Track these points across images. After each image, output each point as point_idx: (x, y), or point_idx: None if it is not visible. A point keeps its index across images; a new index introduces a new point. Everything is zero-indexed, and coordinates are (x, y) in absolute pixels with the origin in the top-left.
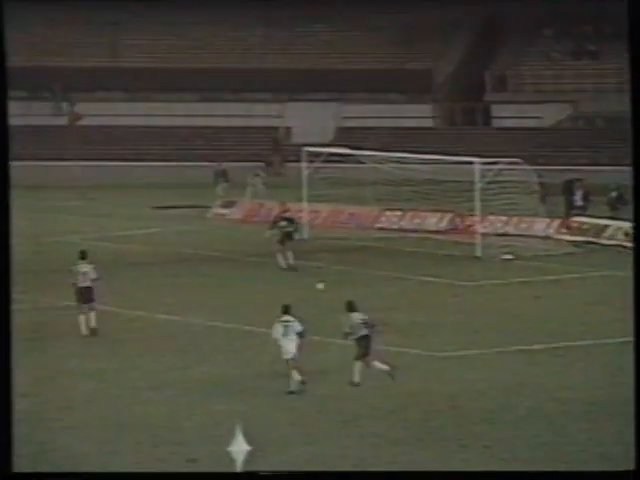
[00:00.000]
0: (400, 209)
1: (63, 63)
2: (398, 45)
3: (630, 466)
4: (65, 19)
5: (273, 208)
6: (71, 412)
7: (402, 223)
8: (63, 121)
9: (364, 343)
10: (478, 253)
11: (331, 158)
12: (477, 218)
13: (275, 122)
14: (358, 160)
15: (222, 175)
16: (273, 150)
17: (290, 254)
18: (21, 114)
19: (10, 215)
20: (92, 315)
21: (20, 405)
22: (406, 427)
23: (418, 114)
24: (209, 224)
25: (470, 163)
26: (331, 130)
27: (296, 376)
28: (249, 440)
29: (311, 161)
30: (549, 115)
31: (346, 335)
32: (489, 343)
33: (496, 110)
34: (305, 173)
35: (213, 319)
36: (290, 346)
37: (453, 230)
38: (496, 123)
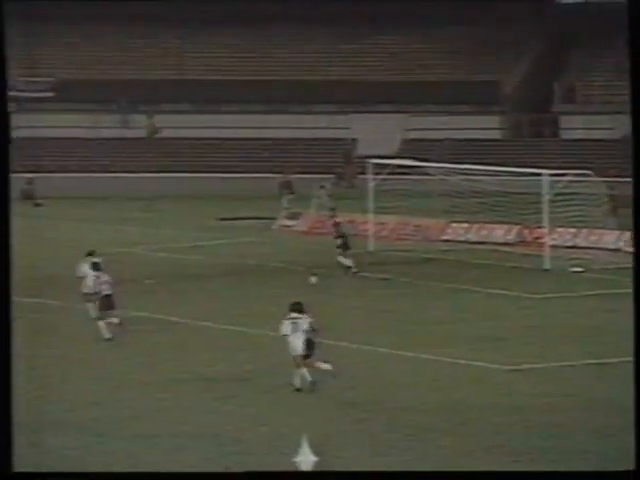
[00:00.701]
0: (467, 221)
1: (131, 76)
2: (465, 56)
3: (630, 466)
4: (132, 33)
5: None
6: (139, 422)
7: (469, 235)
8: (130, 133)
9: (308, 345)
10: (546, 265)
11: (397, 170)
12: (545, 230)
13: (341, 134)
14: (424, 172)
15: (287, 187)
16: (345, 162)
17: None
18: (90, 126)
19: (10, 217)
20: (112, 320)
21: (89, 414)
22: (475, 440)
23: (485, 126)
24: (274, 236)
25: (538, 175)
26: (397, 142)
27: (305, 374)
28: (315, 451)
29: (377, 173)
30: (619, 126)
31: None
32: (558, 356)
33: (564, 121)
34: (371, 185)
35: (278, 330)
36: (298, 343)
37: (521, 242)
38: (564, 134)
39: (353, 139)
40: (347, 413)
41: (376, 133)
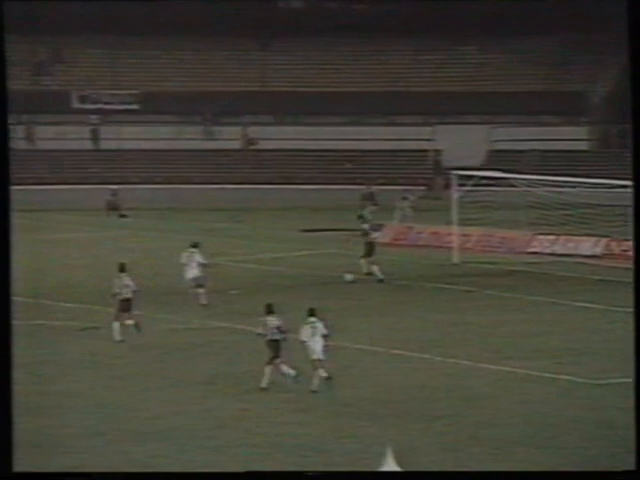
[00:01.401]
0: (553, 233)
1: (214, 88)
2: (552, 66)
3: (630, 466)
4: (215, 45)
5: (422, 231)
6: (222, 431)
7: (555, 247)
8: (213, 145)
9: (275, 346)
10: None
11: (482, 181)
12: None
13: (425, 145)
14: (510, 183)
15: (370, 198)
16: (434, 173)
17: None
18: (173, 138)
19: (10, 218)
20: (129, 323)
21: (171, 423)
22: (562, 455)
23: (572, 136)
24: (356, 247)
25: (625, 187)
26: (482, 153)
27: (322, 373)
28: (399, 463)
29: (462, 184)
30: None
31: (259, 335)
32: None
33: None
34: (455, 196)
35: (360, 342)
36: (317, 347)
37: (608, 255)
38: None
39: (437, 150)
40: (430, 426)
41: (461, 144)
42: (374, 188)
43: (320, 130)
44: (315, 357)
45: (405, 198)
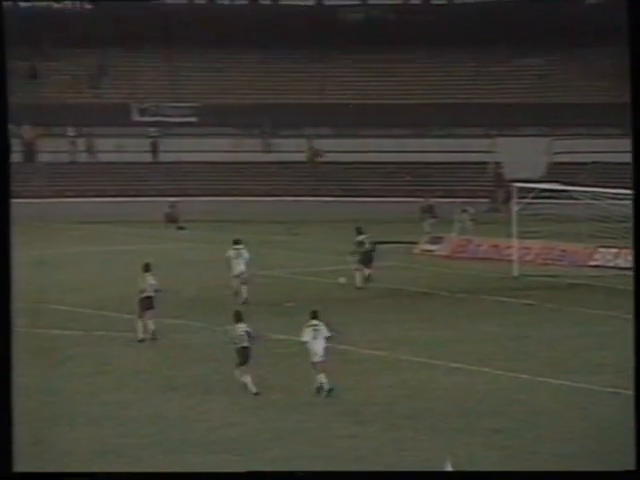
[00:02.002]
0: (615, 246)
1: (273, 100)
2: (614, 78)
3: (630, 466)
4: (274, 57)
5: (482, 244)
6: (278, 443)
7: (618, 261)
8: (272, 157)
9: (244, 353)
10: None
11: (542, 194)
12: None
13: (485, 157)
14: (571, 196)
15: (429, 211)
16: (496, 186)
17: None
18: (232, 150)
19: (9, 222)
20: (151, 323)
21: (229, 434)
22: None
23: None
24: (416, 260)
25: None
26: (543, 165)
27: (322, 378)
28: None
29: (522, 197)
30: None
31: (231, 342)
32: None
33: None
34: (515, 209)
35: (419, 355)
36: (319, 349)
37: None
38: None
39: (498, 163)
40: (489, 440)
41: (521, 156)
42: (433, 201)
43: (380, 142)
44: (316, 359)
45: (464, 211)
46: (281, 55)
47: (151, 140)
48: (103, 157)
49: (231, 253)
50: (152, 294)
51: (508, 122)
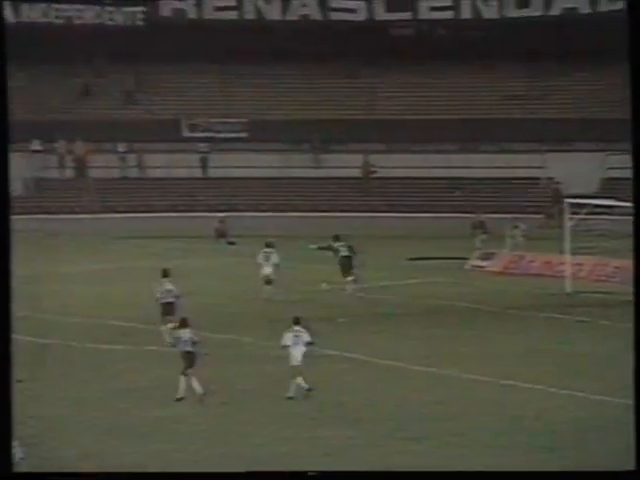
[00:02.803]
0: None
1: (322, 116)
2: None
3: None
4: (323, 73)
5: (534, 260)
6: (328, 459)
7: None
8: (317, 173)
9: (189, 358)
10: None
11: (596, 210)
12: None
13: (537, 173)
14: (625, 212)
15: (480, 226)
16: (553, 202)
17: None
18: (280, 166)
19: (9, 225)
20: (170, 326)
21: (280, 449)
22: None
23: None
24: (466, 276)
25: None
26: (596, 181)
27: (301, 383)
28: None
29: (574, 213)
30: None
31: (171, 345)
32: None
33: None
34: (568, 225)
35: (470, 371)
36: (298, 354)
37: None
38: None
39: (549, 178)
40: (548, 457)
41: (574, 172)
42: (485, 216)
43: (429, 158)
44: (294, 363)
45: (516, 226)
46: (331, 70)
47: (201, 156)
48: (153, 173)
49: (261, 257)
50: (172, 300)
51: (561, 137)
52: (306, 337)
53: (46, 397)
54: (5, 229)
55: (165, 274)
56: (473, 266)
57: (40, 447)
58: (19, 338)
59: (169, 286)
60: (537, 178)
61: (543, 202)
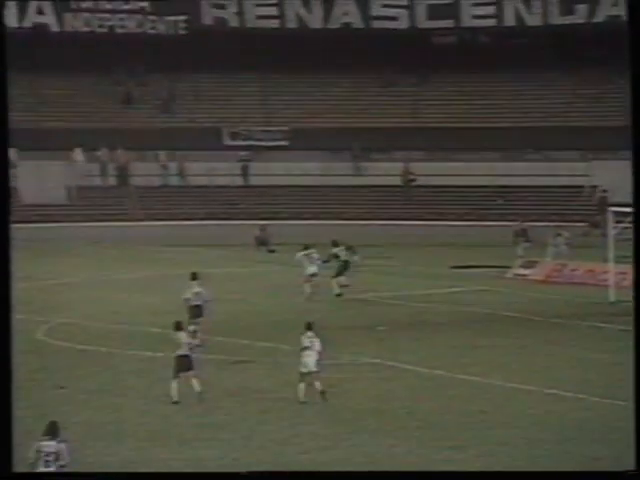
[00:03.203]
0: None
1: (363, 124)
2: None
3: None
4: (365, 81)
5: (577, 268)
6: (370, 467)
7: None
8: (361, 181)
9: (184, 361)
10: None
11: None
12: None
13: (580, 181)
14: None
15: (522, 235)
16: (598, 210)
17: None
18: (321, 174)
19: (9, 228)
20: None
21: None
22: None
23: None
24: (509, 284)
25: None
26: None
27: (318, 387)
28: None
29: (619, 221)
30: None
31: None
32: None
33: None
34: (612, 233)
35: (513, 380)
36: (309, 360)
37: None
38: None
39: (593, 186)
40: (590, 467)
41: (617, 180)
42: (527, 224)
43: (472, 166)
44: (305, 370)
45: (559, 234)
46: (373, 78)
47: (242, 164)
48: (194, 181)
49: (299, 257)
50: (200, 303)
51: (605, 145)
52: (318, 345)
53: (89, 403)
54: (5, 232)
55: (194, 277)
56: (515, 274)
57: (83, 452)
58: (62, 344)
59: (197, 289)
60: (581, 186)
61: (587, 210)
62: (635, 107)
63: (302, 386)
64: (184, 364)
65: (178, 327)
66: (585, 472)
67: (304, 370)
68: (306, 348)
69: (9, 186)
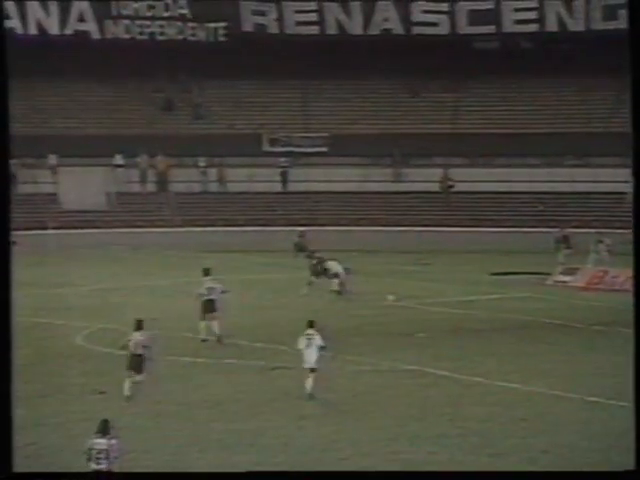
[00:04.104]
0: None
1: (403, 130)
2: None
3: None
4: (405, 87)
5: (618, 275)
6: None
7: None
8: (401, 187)
9: (136, 361)
10: None
11: None
12: None
13: (622, 187)
14: None
15: (563, 241)
16: None
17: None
18: (361, 180)
19: (10, 231)
20: (215, 323)
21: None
22: None
23: None
24: (550, 291)
25: None
26: None
27: (309, 384)
28: None
29: None
30: None
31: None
32: None
33: None
34: None
35: (555, 388)
36: (311, 357)
37: None
38: None
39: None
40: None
41: None
42: (568, 231)
43: (512, 172)
44: (307, 366)
45: (600, 241)
46: (413, 84)
47: (281, 170)
48: (233, 187)
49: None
50: (213, 297)
51: None
52: (319, 341)
53: (129, 408)
54: (5, 236)
55: (206, 273)
56: (556, 281)
57: (122, 457)
58: (101, 350)
59: (210, 284)
60: (623, 193)
61: (629, 217)
62: (635, 110)
63: (309, 381)
64: (137, 363)
65: (138, 327)
66: (585, 472)
67: (306, 366)
68: (307, 346)
69: (10, 189)
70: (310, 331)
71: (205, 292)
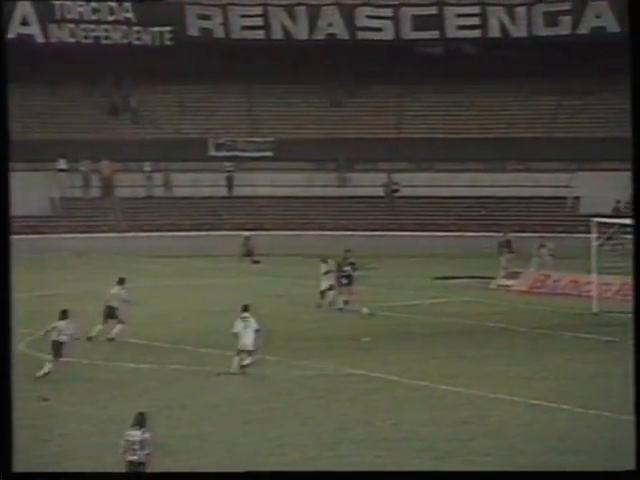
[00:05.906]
0: None
1: (348, 135)
2: None
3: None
4: (349, 92)
5: (560, 279)
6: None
7: None
8: (346, 192)
9: (57, 347)
10: None
11: (624, 229)
12: None
13: (563, 192)
14: None
15: (506, 245)
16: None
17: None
18: (306, 184)
19: (9, 233)
20: (118, 327)
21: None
22: None
23: None
24: (492, 295)
25: None
26: (624, 200)
27: (239, 363)
28: None
29: (602, 232)
30: None
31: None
32: None
33: None
34: (595, 244)
35: (497, 391)
36: (247, 339)
37: None
38: None
39: (576, 197)
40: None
41: (601, 191)
42: (511, 235)
43: (455, 177)
44: (243, 348)
45: (543, 245)
46: (357, 89)
47: (227, 174)
48: (179, 192)
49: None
50: (115, 305)
51: (588, 156)
52: (254, 324)
53: (72, 414)
54: (5, 240)
55: (120, 282)
56: (499, 285)
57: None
58: (44, 357)
59: (117, 291)
60: (564, 197)
61: (571, 221)
62: (635, 113)
63: (236, 359)
64: (58, 349)
65: (63, 316)
66: (585, 472)
67: (244, 348)
68: (243, 328)
69: (9, 192)
70: (245, 314)
71: (110, 298)
